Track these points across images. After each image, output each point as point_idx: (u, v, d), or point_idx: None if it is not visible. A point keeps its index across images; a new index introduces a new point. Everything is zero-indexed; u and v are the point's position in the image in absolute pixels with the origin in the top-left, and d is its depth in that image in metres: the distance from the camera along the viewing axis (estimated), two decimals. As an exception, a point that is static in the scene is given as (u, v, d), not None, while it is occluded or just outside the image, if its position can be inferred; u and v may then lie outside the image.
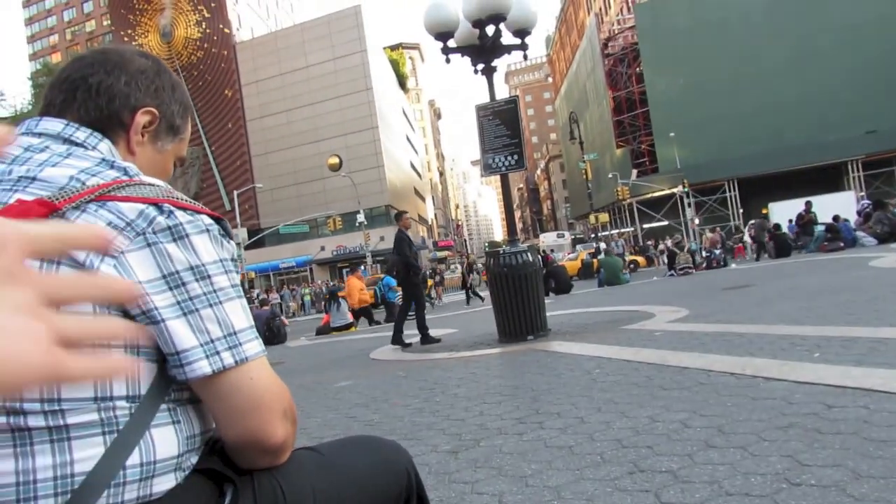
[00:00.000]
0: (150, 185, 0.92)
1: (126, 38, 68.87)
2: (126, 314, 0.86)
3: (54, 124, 1.00)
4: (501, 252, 7.93)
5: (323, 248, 56.77)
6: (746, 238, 28.31)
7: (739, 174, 44.43)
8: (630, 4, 56.18)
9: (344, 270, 49.45)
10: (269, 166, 60.84)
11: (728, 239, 31.35)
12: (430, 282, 25.95)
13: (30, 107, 38.14)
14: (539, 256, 9.08)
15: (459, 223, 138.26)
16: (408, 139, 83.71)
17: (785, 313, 6.86)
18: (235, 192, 42.88)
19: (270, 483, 0.99)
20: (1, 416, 0.79)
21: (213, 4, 65.36)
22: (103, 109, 1.04)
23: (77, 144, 0.98)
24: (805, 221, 23.39)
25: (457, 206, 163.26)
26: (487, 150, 8.67)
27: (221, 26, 65.10)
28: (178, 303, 0.88)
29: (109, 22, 76.11)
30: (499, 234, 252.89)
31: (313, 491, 1.03)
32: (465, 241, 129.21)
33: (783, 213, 27.30)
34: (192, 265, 0.89)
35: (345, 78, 60.47)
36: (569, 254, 40.43)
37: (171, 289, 0.88)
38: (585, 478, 2.63)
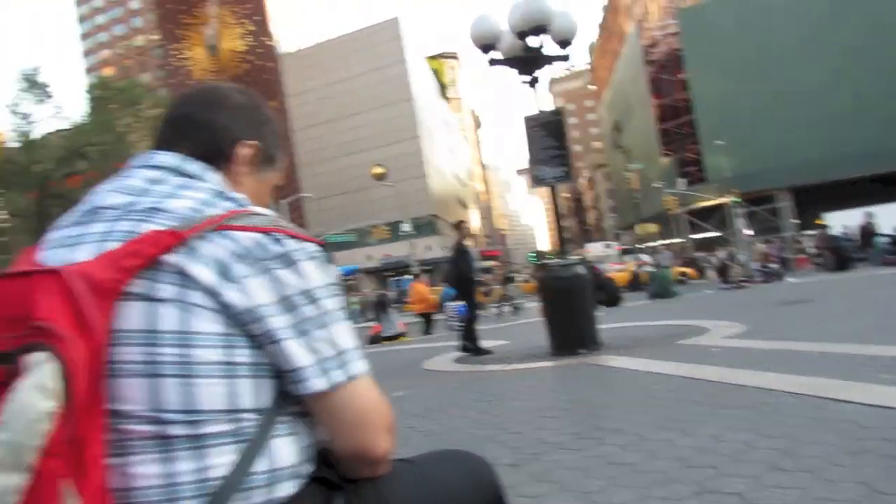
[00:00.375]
0: (261, 214, 1.00)
1: (174, 52, 70.74)
2: (249, 335, 0.94)
3: (169, 158, 1.09)
4: (552, 265, 7.91)
5: (370, 258, 57.16)
6: (811, 249, 27.50)
7: (793, 183, 43.26)
8: (672, 11, 55.53)
9: (391, 280, 49.58)
10: (316, 176, 61.63)
11: (785, 250, 30.47)
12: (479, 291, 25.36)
13: (87, 119, 39.49)
14: (588, 266, 9.06)
15: (503, 233, 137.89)
16: (450, 148, 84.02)
17: (848, 330, 6.68)
18: (283, 203, 43.49)
19: (373, 492, 1.06)
20: (147, 424, 0.88)
21: (256, 18, 66.71)
22: (209, 143, 1.13)
23: (190, 176, 1.07)
24: (866, 233, 22.66)
25: (500, 216, 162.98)
26: (536, 162, 8.67)
27: (265, 39, 66.37)
28: (293, 324, 0.95)
29: (158, 37, 78.18)
30: (543, 243, 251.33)
31: (410, 501, 1.11)
32: (509, 250, 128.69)
33: (840, 223, 26.35)
34: (303, 289, 0.97)
35: (387, 88, 61.07)
36: (616, 265, 39.92)
37: (286, 311, 0.95)
38: (651, 496, 2.62)
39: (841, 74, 41.70)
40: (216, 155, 1.13)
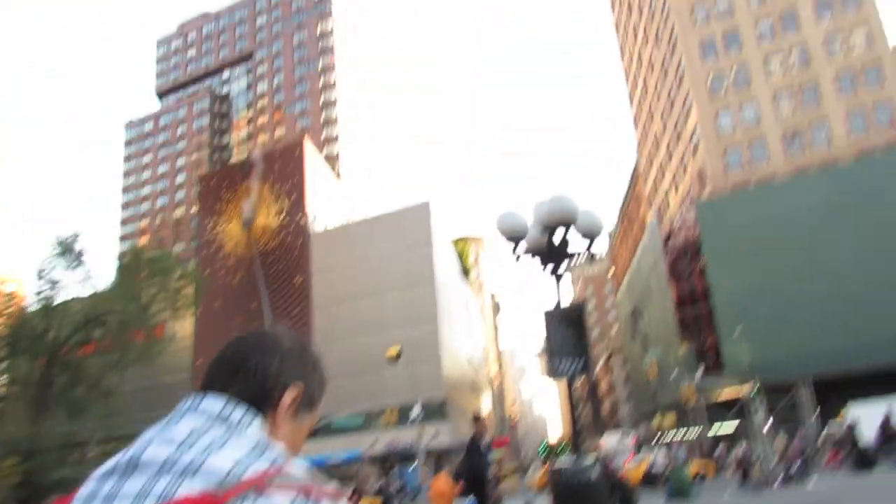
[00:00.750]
0: (297, 472, 1.01)
1: (209, 224, 73.65)
2: None
3: (214, 404, 1.12)
4: (564, 463, 7.62)
5: (375, 443, 54.90)
6: (832, 445, 26.37)
7: (814, 373, 42.51)
8: (691, 201, 57.60)
9: (395, 469, 47.53)
10: (331, 354, 60.74)
11: (806, 446, 29.30)
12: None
13: (112, 287, 39.77)
14: (602, 465, 8.73)
15: (515, 421, 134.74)
16: (468, 331, 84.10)
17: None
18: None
19: None
20: None
21: (293, 196, 69.92)
22: (258, 389, 1.17)
23: (233, 425, 1.09)
24: (887, 431, 21.90)
25: (513, 403, 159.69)
26: (554, 354, 8.64)
27: (300, 217, 69.10)
28: None
29: (197, 208, 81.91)
30: (555, 433, 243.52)
31: None
32: (520, 439, 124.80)
33: (863, 417, 25.41)
34: None
35: (410, 269, 62.04)
36: (632, 457, 38.48)
37: None
38: None
39: (858, 263, 42.33)
40: (263, 400, 1.16)
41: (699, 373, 47.30)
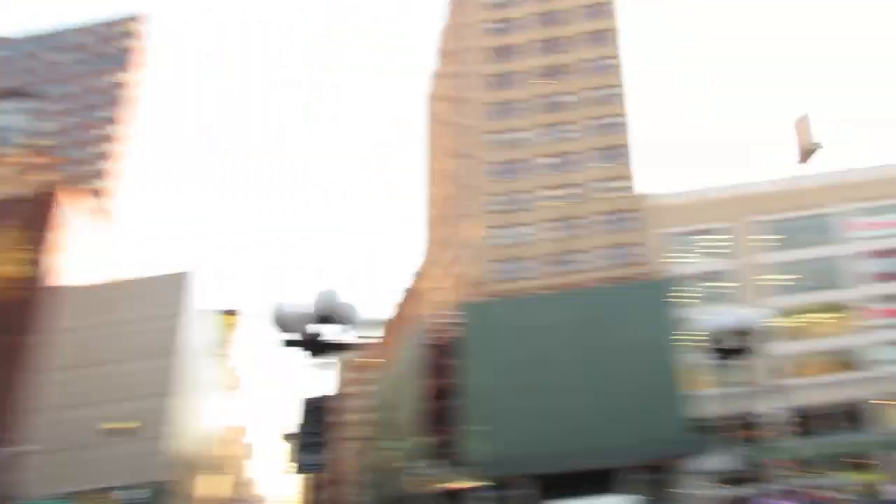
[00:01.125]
0: None
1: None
2: None
3: None
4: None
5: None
6: None
7: (539, 471, 46.17)
8: (457, 304, 61.18)
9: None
10: (49, 425, 54.20)
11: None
12: None
13: None
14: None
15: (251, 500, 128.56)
16: (210, 409, 79.59)
17: None
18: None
19: None
20: None
21: (39, 246, 63.05)
22: None
23: None
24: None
25: (251, 482, 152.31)
26: (300, 446, 8.94)
27: (42, 269, 62.27)
28: None
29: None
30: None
31: None
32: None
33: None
34: None
35: (155, 339, 58.04)
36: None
37: None
38: None
39: (582, 380, 47.66)
40: None
41: (435, 464, 49.53)
